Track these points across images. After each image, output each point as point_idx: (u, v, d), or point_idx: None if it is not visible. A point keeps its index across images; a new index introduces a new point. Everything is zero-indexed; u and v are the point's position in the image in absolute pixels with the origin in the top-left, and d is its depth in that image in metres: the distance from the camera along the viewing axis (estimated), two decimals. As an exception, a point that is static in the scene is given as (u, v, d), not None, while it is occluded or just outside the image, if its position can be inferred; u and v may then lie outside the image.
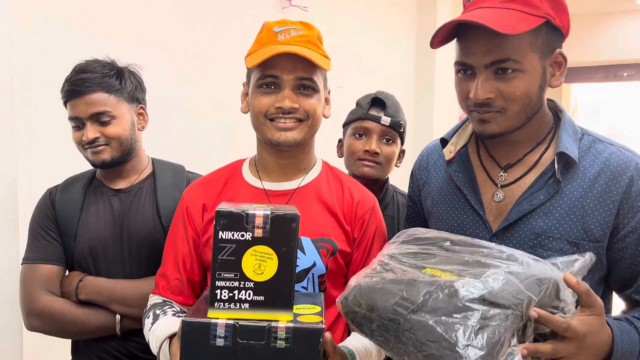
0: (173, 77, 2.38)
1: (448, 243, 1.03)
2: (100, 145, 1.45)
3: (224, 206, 0.98)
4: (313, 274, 1.22)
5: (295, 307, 1.00)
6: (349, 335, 1.26)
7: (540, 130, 1.16)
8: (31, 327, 1.45)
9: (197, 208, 1.30)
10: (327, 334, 1.00)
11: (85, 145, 1.46)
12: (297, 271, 1.11)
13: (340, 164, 1.59)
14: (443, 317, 0.85)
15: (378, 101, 1.72)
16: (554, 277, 0.90)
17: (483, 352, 0.81)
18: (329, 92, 1.33)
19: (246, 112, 1.31)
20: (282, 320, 0.96)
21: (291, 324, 0.95)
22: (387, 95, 1.76)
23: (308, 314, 1.01)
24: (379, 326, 0.94)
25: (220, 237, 0.96)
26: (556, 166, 1.10)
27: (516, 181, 1.15)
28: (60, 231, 1.50)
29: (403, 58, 3.97)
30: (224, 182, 1.32)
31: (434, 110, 4.03)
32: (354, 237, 1.29)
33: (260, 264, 0.96)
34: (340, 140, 1.84)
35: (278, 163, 1.30)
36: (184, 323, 0.95)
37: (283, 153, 1.27)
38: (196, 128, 2.48)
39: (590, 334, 0.93)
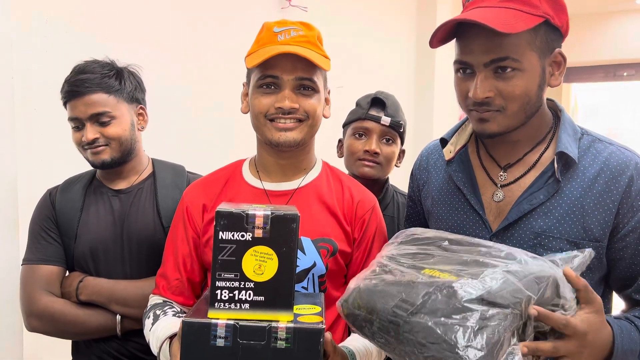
0: (173, 77, 2.38)
1: (446, 243, 1.03)
2: (100, 146, 1.45)
3: (224, 206, 0.99)
4: (313, 274, 1.23)
5: (295, 307, 1.00)
6: (349, 335, 1.26)
7: (539, 130, 1.16)
8: (31, 328, 1.45)
9: (197, 208, 1.30)
10: (328, 334, 1.00)
11: (85, 146, 1.46)
12: (297, 271, 1.11)
13: (340, 164, 1.59)
14: (442, 319, 0.85)
15: (378, 101, 1.72)
16: (552, 274, 0.90)
17: (483, 353, 0.81)
18: (329, 92, 1.33)
19: (246, 113, 1.31)
20: (282, 320, 0.96)
21: (291, 324, 0.95)
22: (387, 95, 1.76)
23: (308, 314, 1.01)
24: (379, 328, 0.94)
25: (220, 237, 0.96)
26: (556, 166, 1.10)
27: (516, 181, 1.15)
28: (61, 232, 1.50)
29: (403, 58, 3.97)
30: (224, 183, 1.32)
31: (434, 110, 4.03)
32: (354, 237, 1.29)
33: (260, 264, 0.96)
34: (340, 141, 1.84)
35: (278, 163, 1.30)
36: (184, 323, 0.95)
37: (283, 153, 1.27)
38: (196, 128, 2.48)
39: (591, 332, 0.93)
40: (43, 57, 1.91)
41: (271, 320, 0.95)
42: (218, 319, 0.95)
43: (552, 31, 1.07)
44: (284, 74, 1.21)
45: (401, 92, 3.08)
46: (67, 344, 1.57)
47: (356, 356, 1.13)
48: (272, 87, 1.22)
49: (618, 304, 1.18)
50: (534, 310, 0.87)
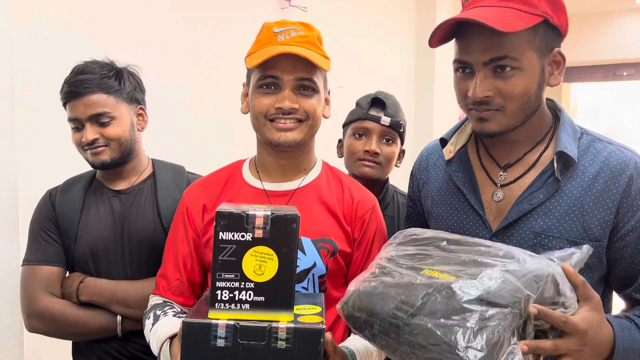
0: (173, 77, 2.38)
1: (444, 243, 1.03)
2: (100, 147, 1.45)
3: (224, 207, 0.99)
4: (313, 274, 1.23)
5: (295, 307, 1.00)
6: (349, 335, 1.26)
7: (539, 130, 1.16)
8: (32, 329, 1.45)
9: (198, 209, 1.30)
10: (328, 334, 1.00)
11: (84, 147, 1.46)
12: (297, 272, 1.11)
13: (340, 164, 1.59)
14: (442, 320, 0.85)
15: (378, 101, 1.72)
16: (551, 272, 0.90)
17: (483, 354, 0.81)
18: (328, 93, 1.33)
19: (246, 113, 1.31)
20: (282, 320, 0.96)
21: (292, 325, 0.95)
22: (387, 95, 1.76)
23: (308, 314, 1.01)
24: (379, 331, 0.94)
25: (220, 237, 0.96)
26: (555, 165, 1.10)
27: (516, 181, 1.15)
28: (61, 232, 1.50)
29: (403, 58, 3.97)
30: (224, 183, 1.32)
31: (434, 110, 4.03)
32: (354, 237, 1.29)
33: (260, 264, 0.96)
34: (340, 141, 1.84)
35: (278, 163, 1.30)
36: (184, 324, 0.95)
37: (283, 153, 1.27)
38: (196, 128, 2.48)
39: (592, 330, 0.93)
40: (43, 58, 1.91)
41: (271, 321, 0.95)
42: (218, 319, 0.95)
43: (551, 30, 1.08)
44: (284, 74, 1.21)
45: (401, 92, 3.08)
46: (67, 345, 1.57)
47: (356, 356, 1.13)
48: (272, 88, 1.22)
49: (618, 303, 1.18)
50: (533, 308, 0.87)
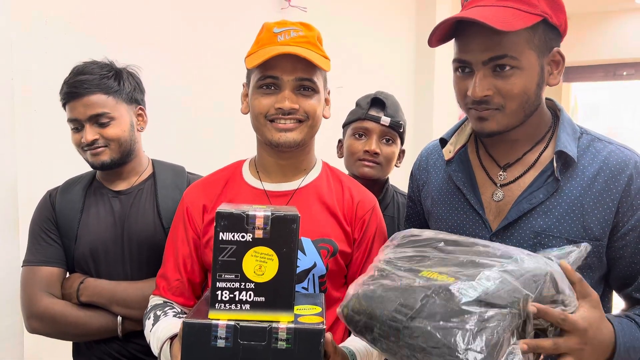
0: (173, 77, 2.38)
1: (442, 244, 1.03)
2: (100, 147, 1.45)
3: (224, 207, 0.98)
4: (313, 274, 1.23)
5: (296, 307, 1.00)
6: (349, 335, 1.26)
7: (539, 129, 1.16)
8: (32, 330, 1.45)
9: (198, 209, 1.30)
10: (328, 335, 1.00)
11: (84, 147, 1.45)
12: (297, 272, 1.11)
13: (340, 164, 1.59)
14: (441, 322, 0.85)
15: (378, 101, 1.72)
16: (549, 270, 0.90)
17: (483, 355, 0.81)
18: (328, 93, 1.33)
19: (246, 113, 1.31)
20: (282, 321, 0.96)
21: (292, 325, 0.95)
22: (387, 95, 1.76)
23: (309, 314, 1.01)
24: (380, 334, 0.93)
25: (220, 238, 0.96)
26: (555, 165, 1.10)
27: (515, 180, 1.15)
28: (61, 233, 1.50)
29: (403, 58, 3.97)
30: (224, 183, 1.32)
31: (434, 110, 4.03)
32: (354, 237, 1.29)
33: (260, 264, 0.96)
34: (340, 141, 1.84)
35: (278, 164, 1.30)
36: (184, 324, 0.95)
37: (283, 154, 1.27)
38: (196, 128, 2.48)
39: (592, 328, 0.92)
40: (43, 58, 1.91)
41: (272, 321, 0.95)
42: (219, 319, 0.95)
43: (551, 30, 1.08)
44: (284, 74, 1.21)
45: (401, 92, 3.09)
46: (67, 345, 1.57)
47: (357, 356, 1.14)
48: (272, 88, 1.22)
49: (618, 303, 1.18)
50: (532, 307, 0.87)
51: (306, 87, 1.23)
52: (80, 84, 1.43)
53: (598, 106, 6.54)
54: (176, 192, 1.52)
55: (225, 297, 0.96)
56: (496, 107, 1.07)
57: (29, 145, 1.88)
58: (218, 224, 0.96)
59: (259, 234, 0.96)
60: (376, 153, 1.69)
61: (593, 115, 6.48)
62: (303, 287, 1.22)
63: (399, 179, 1.85)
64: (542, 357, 0.92)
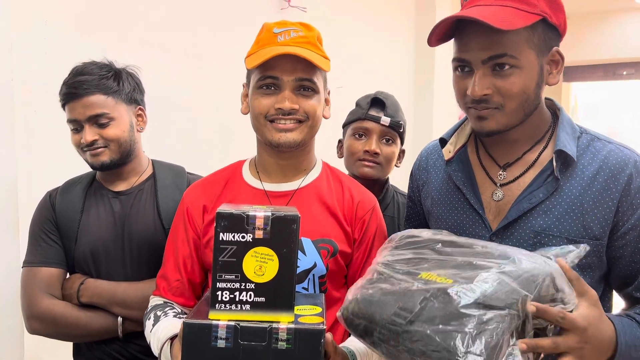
0: (173, 78, 2.38)
1: (439, 245, 1.03)
2: (99, 148, 1.45)
3: (224, 208, 0.99)
4: (314, 274, 1.23)
5: (296, 308, 1.00)
6: (349, 335, 1.26)
7: (538, 129, 1.16)
8: (32, 330, 1.45)
9: (198, 209, 1.30)
10: (328, 335, 1.00)
11: (84, 148, 1.45)
12: (297, 272, 1.11)
13: (340, 165, 1.59)
14: (440, 326, 0.84)
15: (378, 101, 1.72)
16: (547, 270, 0.90)
17: (483, 358, 0.81)
18: (328, 93, 1.33)
19: (246, 114, 1.31)
20: (283, 321, 0.96)
21: (292, 325, 0.95)
22: (387, 95, 1.76)
23: (309, 314, 1.01)
24: (380, 338, 0.93)
25: (221, 238, 0.96)
26: (555, 164, 1.10)
27: (515, 180, 1.15)
28: (61, 234, 1.50)
29: (403, 58, 3.97)
30: (224, 184, 1.32)
31: (434, 110, 4.03)
32: (355, 237, 1.29)
33: (261, 265, 0.96)
34: (340, 141, 1.84)
35: (278, 164, 1.30)
36: (185, 324, 0.95)
37: (283, 154, 1.27)
38: (196, 128, 2.48)
39: (591, 327, 0.92)
40: (43, 59, 1.91)
41: (272, 321, 0.95)
42: (219, 320, 0.95)
43: (550, 30, 1.08)
44: (283, 74, 1.21)
45: (401, 92, 3.08)
46: (68, 346, 1.57)
47: (357, 356, 1.13)
48: (272, 88, 1.22)
49: (618, 303, 1.18)
50: (532, 306, 0.86)
51: (306, 88, 1.23)
52: (80, 85, 1.43)
53: (598, 106, 6.55)
54: (176, 192, 1.52)
55: (226, 298, 0.96)
56: (495, 106, 1.07)
57: (29, 145, 1.88)
58: (218, 225, 0.96)
59: (259, 234, 0.96)
60: (376, 153, 1.69)
61: (593, 114, 6.48)
62: (303, 288, 1.22)
63: (399, 179, 1.85)
64: (542, 356, 0.92)
